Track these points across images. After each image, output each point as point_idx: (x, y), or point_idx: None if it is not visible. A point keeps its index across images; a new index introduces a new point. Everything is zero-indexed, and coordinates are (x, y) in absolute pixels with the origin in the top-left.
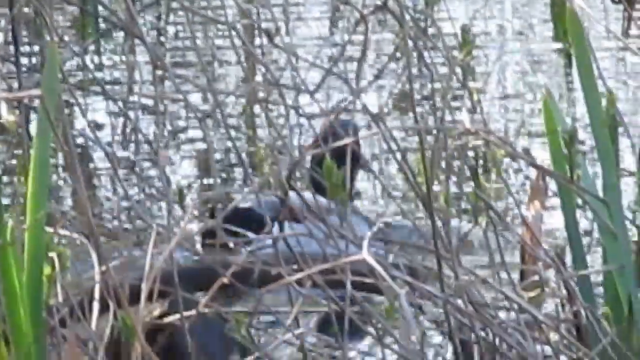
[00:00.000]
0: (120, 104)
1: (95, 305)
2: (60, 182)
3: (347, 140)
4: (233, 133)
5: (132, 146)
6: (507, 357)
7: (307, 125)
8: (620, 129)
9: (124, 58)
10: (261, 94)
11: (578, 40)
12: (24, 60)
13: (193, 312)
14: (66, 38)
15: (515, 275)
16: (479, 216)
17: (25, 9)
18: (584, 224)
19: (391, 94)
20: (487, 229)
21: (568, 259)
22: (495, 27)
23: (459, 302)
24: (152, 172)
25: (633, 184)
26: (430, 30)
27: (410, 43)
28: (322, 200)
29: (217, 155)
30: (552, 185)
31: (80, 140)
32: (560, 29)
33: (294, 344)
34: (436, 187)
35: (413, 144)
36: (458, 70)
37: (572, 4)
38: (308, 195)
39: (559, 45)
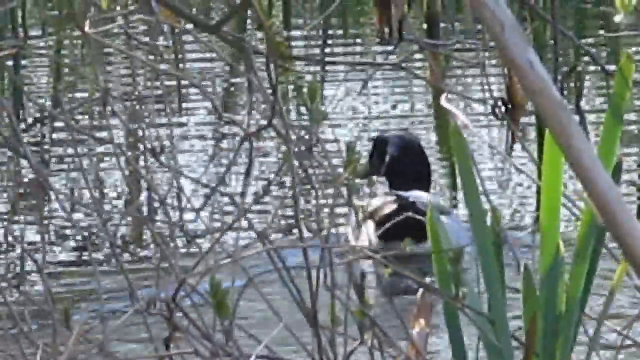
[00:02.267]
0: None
1: None
2: None
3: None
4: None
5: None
6: None
7: (194, 244)
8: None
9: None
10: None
11: (462, 157)
12: None
13: None
14: None
15: None
16: (365, 333)
17: None
18: (470, 341)
19: (277, 212)
20: (372, 346)
21: None
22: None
23: None
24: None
25: (520, 300)
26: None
27: (295, 161)
28: (424, 195)
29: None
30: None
31: None
32: (444, 144)
33: None
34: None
35: (300, 262)
36: (343, 188)
37: (456, 120)
38: (418, 194)
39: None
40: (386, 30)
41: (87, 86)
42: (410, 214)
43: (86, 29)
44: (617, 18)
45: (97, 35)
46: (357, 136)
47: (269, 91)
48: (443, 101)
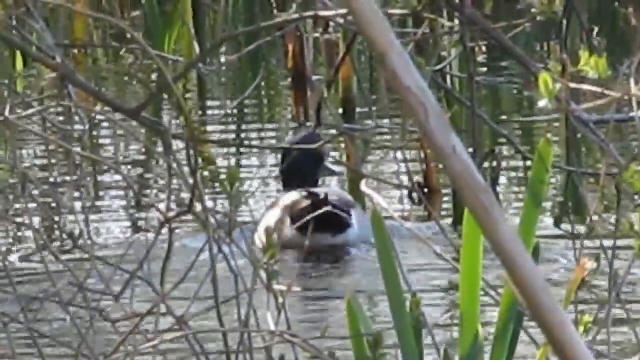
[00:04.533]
0: None
1: None
2: None
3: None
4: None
5: None
6: None
7: (112, 329)
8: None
9: None
10: (65, 297)
11: (381, 242)
12: None
13: None
14: None
15: None
16: None
17: None
18: None
19: (195, 296)
20: None
21: None
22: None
23: None
24: None
25: None
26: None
27: (214, 246)
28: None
29: None
30: None
31: None
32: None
33: None
34: None
35: (220, 346)
36: (262, 273)
37: (374, 205)
38: (329, 190)
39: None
40: (302, 113)
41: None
42: (328, 208)
43: (5, 113)
44: (541, 103)
45: (15, 119)
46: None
47: (188, 175)
48: (362, 186)
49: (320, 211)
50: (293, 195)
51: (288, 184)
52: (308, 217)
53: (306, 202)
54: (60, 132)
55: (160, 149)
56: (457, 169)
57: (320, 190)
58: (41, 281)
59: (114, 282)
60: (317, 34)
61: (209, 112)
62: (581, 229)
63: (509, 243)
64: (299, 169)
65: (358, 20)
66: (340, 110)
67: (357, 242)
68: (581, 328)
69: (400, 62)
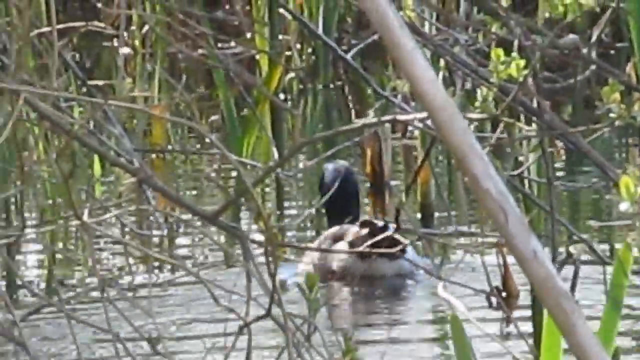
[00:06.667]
0: None
1: None
2: None
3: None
4: None
5: None
6: None
7: None
8: None
9: None
10: None
11: (460, 346)
12: None
13: None
14: None
15: None
16: None
17: None
18: None
19: None
20: None
21: None
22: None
23: None
24: None
25: None
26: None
27: (294, 351)
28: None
29: None
30: None
31: None
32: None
33: None
34: None
35: None
36: None
37: (454, 310)
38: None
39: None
40: (380, 218)
41: (82, 274)
42: (386, 235)
43: (84, 217)
44: (622, 207)
45: (94, 224)
46: (354, 324)
47: (267, 280)
48: (440, 290)
49: (382, 236)
50: (350, 227)
51: (334, 217)
52: (369, 243)
53: (364, 231)
54: (138, 236)
55: (239, 253)
56: (538, 273)
57: (376, 221)
58: None
59: None
60: (395, 139)
61: (288, 216)
62: None
63: (590, 349)
64: (341, 202)
65: (437, 125)
66: (419, 216)
67: (411, 268)
68: None
69: (480, 166)
